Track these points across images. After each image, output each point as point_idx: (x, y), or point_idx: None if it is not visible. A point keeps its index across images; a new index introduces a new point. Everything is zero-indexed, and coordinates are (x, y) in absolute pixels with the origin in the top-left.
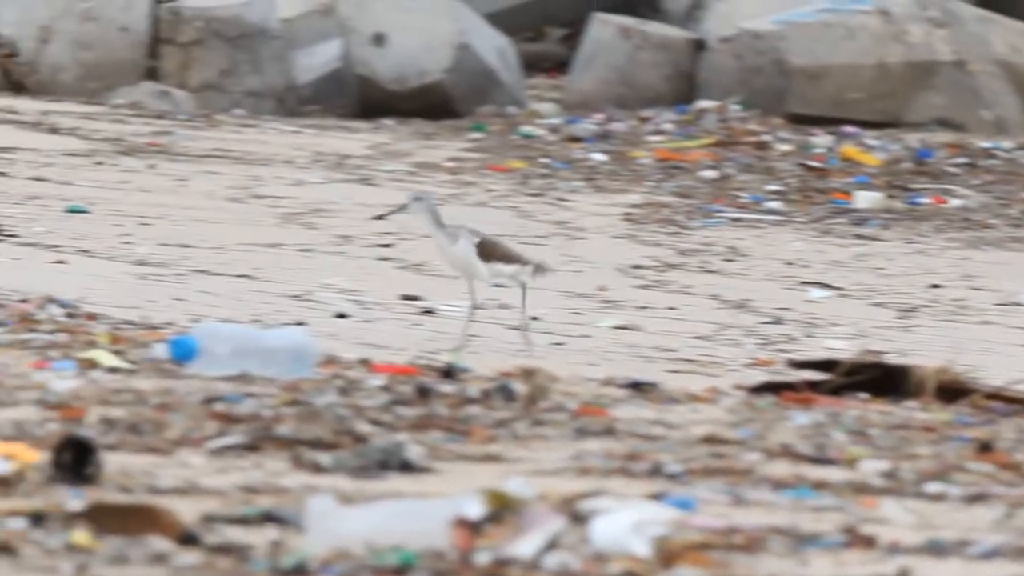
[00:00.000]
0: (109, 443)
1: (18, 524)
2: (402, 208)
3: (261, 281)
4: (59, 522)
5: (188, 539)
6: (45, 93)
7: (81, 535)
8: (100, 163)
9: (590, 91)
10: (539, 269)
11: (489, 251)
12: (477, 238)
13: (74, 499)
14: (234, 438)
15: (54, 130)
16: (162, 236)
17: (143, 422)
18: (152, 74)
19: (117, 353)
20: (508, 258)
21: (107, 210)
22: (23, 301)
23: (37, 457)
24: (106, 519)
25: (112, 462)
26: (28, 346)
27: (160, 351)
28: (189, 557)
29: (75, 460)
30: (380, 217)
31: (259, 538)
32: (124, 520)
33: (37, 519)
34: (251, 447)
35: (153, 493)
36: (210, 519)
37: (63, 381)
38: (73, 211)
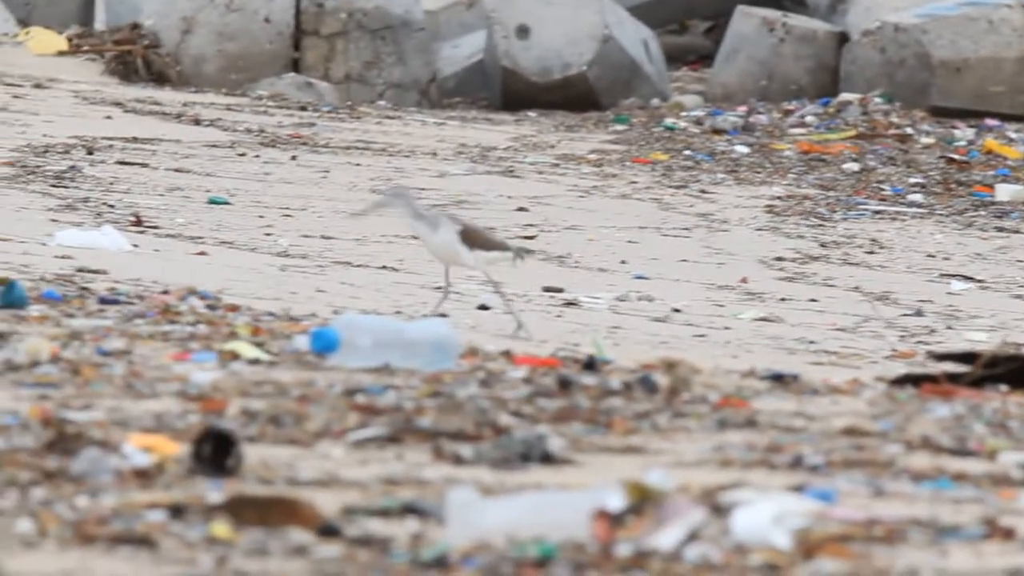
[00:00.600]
0: (250, 435)
1: (158, 516)
2: (380, 204)
3: (403, 273)
4: (199, 514)
5: (328, 531)
6: (187, 84)
7: (221, 527)
8: (242, 154)
9: (733, 84)
10: (519, 254)
11: (472, 238)
12: (459, 226)
13: (214, 491)
14: (375, 430)
15: (196, 121)
16: (304, 227)
17: (284, 414)
18: (295, 66)
19: (258, 345)
20: (490, 245)
21: (249, 201)
22: (164, 292)
23: (177, 449)
24: (246, 511)
25: (253, 454)
26: (169, 338)
27: (301, 343)
28: (329, 549)
29: (215, 452)
30: (359, 214)
31: (400, 530)
32: (264, 512)
33: (177, 511)
34: (392, 439)
35: (293, 485)
36: (350, 511)
37: (204, 373)
38: (215, 202)
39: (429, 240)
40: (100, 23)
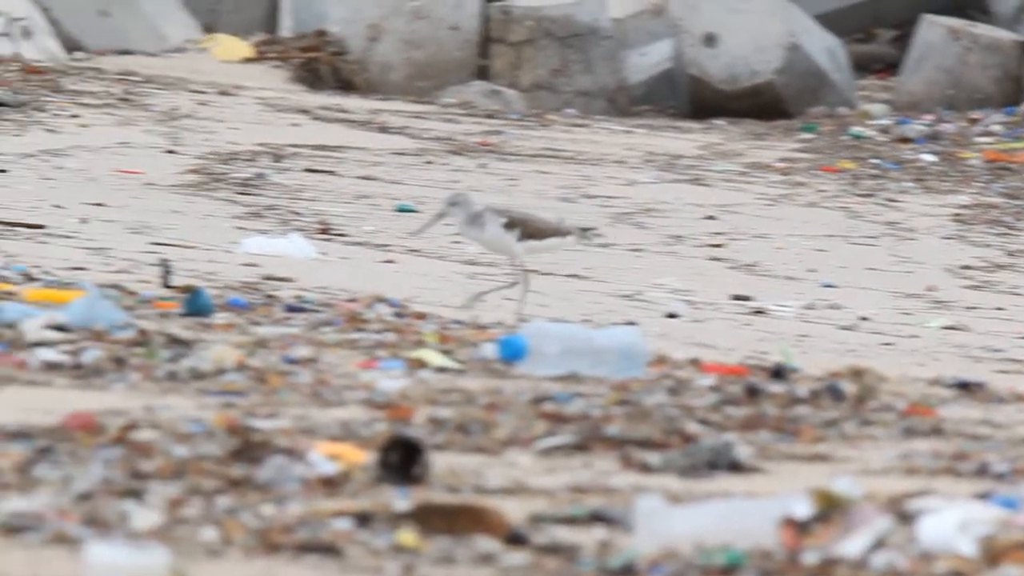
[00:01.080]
0: (437, 443)
1: (344, 524)
2: (439, 215)
3: (591, 281)
4: (385, 523)
5: (515, 539)
6: (374, 91)
7: (407, 535)
8: (430, 162)
9: (920, 92)
10: (581, 235)
11: (521, 228)
12: (504, 218)
13: (401, 499)
14: (563, 438)
15: (383, 129)
16: None
17: (471, 422)
18: (482, 73)
19: (445, 352)
20: (540, 233)
21: (437, 209)
22: (351, 300)
23: (364, 457)
24: (433, 519)
25: (440, 462)
26: (356, 346)
27: (489, 351)
28: (516, 557)
29: (402, 460)
30: (420, 231)
31: (587, 538)
32: (451, 520)
33: (363, 519)
34: (580, 447)
35: (481, 493)
36: (538, 519)
37: (391, 380)
38: (402, 210)
39: (481, 240)
40: (286, 30)
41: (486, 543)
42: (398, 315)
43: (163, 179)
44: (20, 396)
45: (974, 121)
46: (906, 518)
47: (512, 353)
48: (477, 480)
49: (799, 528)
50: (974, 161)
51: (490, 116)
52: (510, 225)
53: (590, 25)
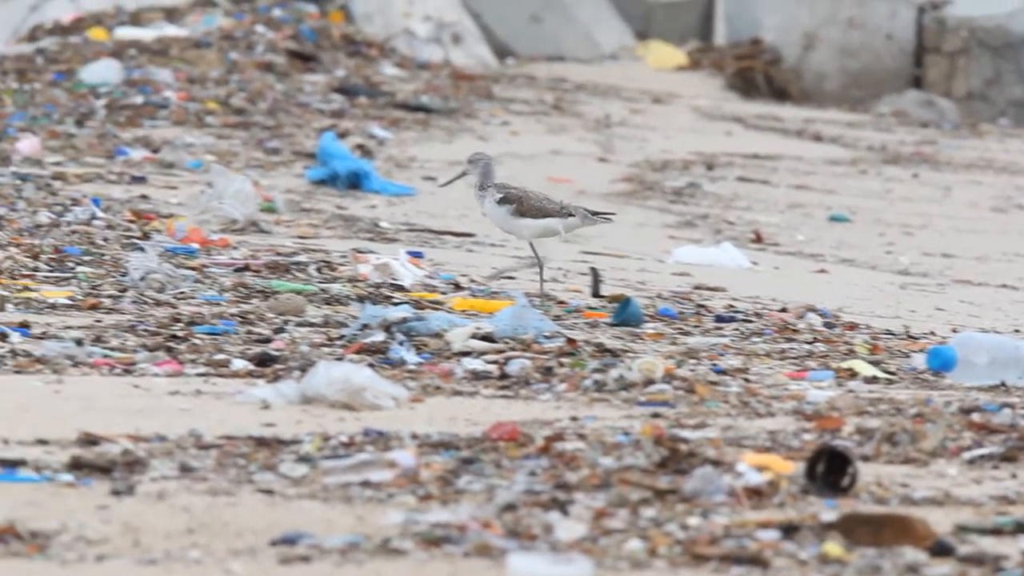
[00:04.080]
0: (864, 454)
1: (770, 535)
2: (461, 174)
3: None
4: (812, 534)
5: (941, 550)
6: (808, 100)
7: (833, 546)
8: (863, 172)
9: None
10: (586, 218)
11: (518, 205)
12: (500, 193)
13: (827, 510)
14: (990, 448)
15: (817, 138)
16: (924, 246)
17: (899, 432)
18: (917, 83)
19: (875, 363)
20: (535, 211)
21: (869, 219)
22: (782, 310)
23: (791, 468)
24: (858, 530)
25: (867, 473)
26: (786, 356)
27: (919, 361)
28: (941, 568)
29: (829, 471)
30: (447, 184)
31: (1012, 549)
32: (877, 531)
33: (789, 531)
34: (1007, 457)
35: (907, 504)
36: (963, 529)
37: (820, 391)
38: (835, 220)
39: (482, 210)
40: (720, 38)
41: (912, 554)
42: (828, 325)
43: (595, 187)
44: (445, 406)
45: None
46: None
47: (941, 364)
48: (904, 491)
49: None
50: None
51: (924, 126)
52: (505, 200)
53: (1023, 35)
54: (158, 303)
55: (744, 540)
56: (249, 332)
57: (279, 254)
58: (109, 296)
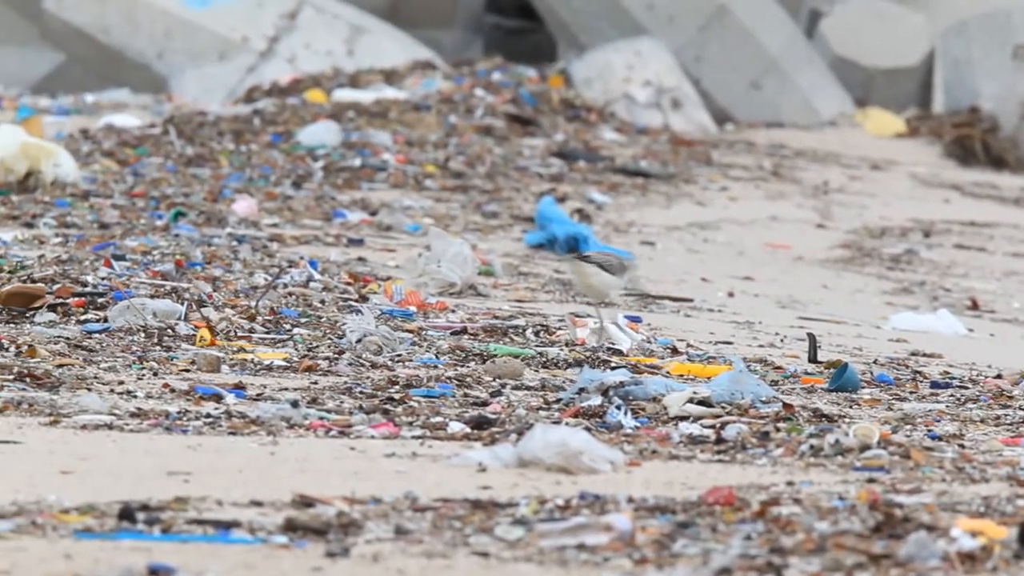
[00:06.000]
0: None
1: None
2: None
3: None
4: None
5: None
6: None
7: None
8: None
9: None
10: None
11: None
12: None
13: None
14: None
15: None
16: None
17: None
18: None
19: None
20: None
21: None
22: (998, 377)
23: (1005, 533)
24: None
25: None
26: (1001, 422)
27: None
28: None
29: None
30: None
31: None
32: None
33: None
34: None
35: None
36: None
37: None
38: None
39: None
40: (939, 105)
41: None
42: None
43: (813, 253)
44: (662, 470)
45: None
46: None
47: None
48: None
49: None
50: None
51: None
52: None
53: None
54: (375, 365)
55: None
56: (466, 395)
57: (496, 317)
58: (325, 358)
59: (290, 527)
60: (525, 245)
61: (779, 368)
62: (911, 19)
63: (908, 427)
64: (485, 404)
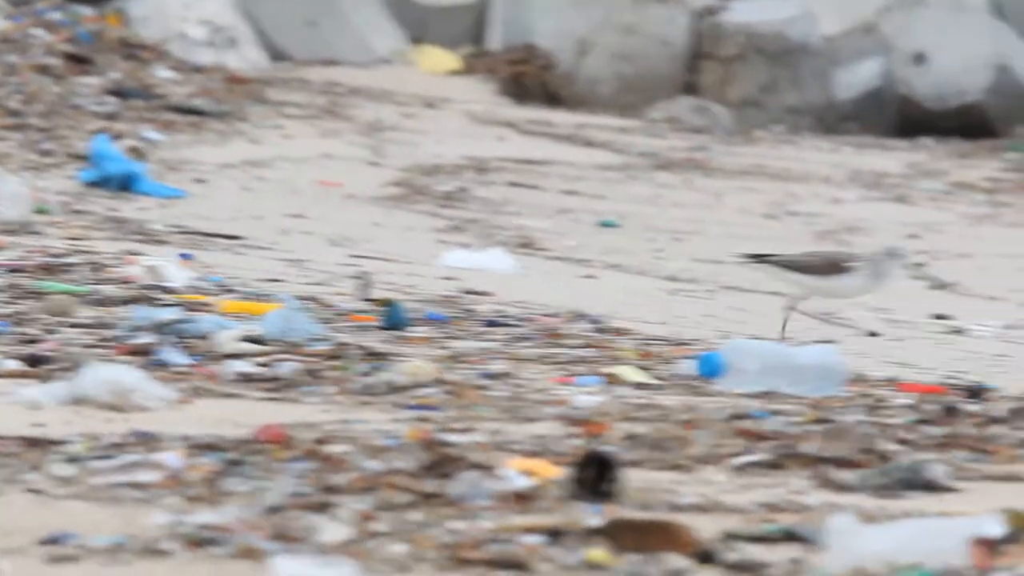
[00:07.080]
0: (631, 459)
1: (535, 540)
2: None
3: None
4: (577, 539)
5: (706, 557)
6: (581, 106)
7: (598, 552)
8: (634, 177)
9: None
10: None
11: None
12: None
13: (593, 516)
14: (758, 455)
15: (588, 143)
16: (694, 252)
17: (667, 439)
18: (690, 88)
19: (644, 369)
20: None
21: (639, 225)
22: (551, 315)
23: (558, 473)
24: (624, 536)
25: (634, 479)
26: (554, 361)
27: (688, 367)
28: (707, 575)
29: (596, 476)
30: None
31: (778, 556)
32: (642, 537)
33: (554, 535)
34: (774, 464)
35: (673, 510)
36: (730, 536)
37: (587, 396)
38: (605, 225)
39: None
40: (494, 43)
41: (676, 560)
42: (598, 331)
43: (365, 191)
44: (212, 408)
45: None
46: None
47: (711, 370)
48: (670, 497)
49: (990, 548)
50: None
51: (697, 132)
52: None
53: (800, 42)
54: None
55: (508, 544)
56: (22, 333)
57: (51, 255)
58: None
59: None
60: (80, 183)
61: (330, 306)
62: None
63: (460, 365)
64: (39, 342)
